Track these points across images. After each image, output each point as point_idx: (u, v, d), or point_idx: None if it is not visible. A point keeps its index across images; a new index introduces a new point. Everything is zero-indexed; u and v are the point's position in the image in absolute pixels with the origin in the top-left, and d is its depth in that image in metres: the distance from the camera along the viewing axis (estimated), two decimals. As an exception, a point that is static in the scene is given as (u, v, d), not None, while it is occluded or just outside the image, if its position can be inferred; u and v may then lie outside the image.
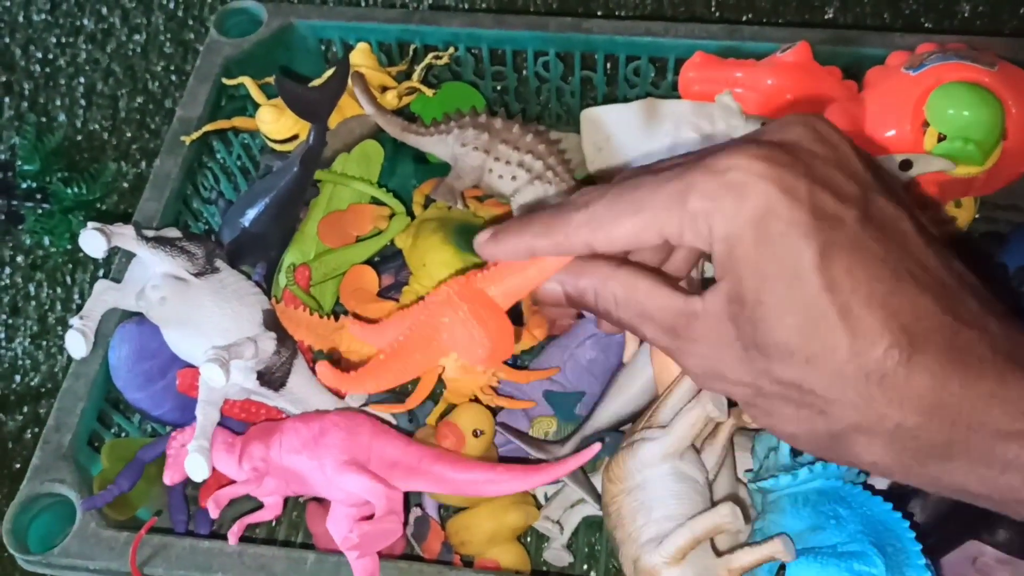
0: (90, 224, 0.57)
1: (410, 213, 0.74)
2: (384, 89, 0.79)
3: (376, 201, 0.74)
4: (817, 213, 0.30)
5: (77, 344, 0.61)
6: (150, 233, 0.62)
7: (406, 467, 0.57)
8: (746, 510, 0.55)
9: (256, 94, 0.77)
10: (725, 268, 0.32)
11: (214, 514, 0.55)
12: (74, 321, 0.61)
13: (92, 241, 0.57)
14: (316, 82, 0.75)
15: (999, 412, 0.29)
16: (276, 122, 0.74)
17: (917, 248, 0.31)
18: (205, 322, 0.59)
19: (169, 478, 0.57)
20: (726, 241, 0.31)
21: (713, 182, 0.31)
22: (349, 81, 0.75)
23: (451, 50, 0.81)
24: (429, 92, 0.79)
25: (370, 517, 0.59)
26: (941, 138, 0.64)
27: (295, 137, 0.75)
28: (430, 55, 0.81)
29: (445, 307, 0.47)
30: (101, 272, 0.84)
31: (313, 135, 0.69)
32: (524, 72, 0.84)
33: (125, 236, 0.59)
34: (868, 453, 0.31)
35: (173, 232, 0.64)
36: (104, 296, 0.62)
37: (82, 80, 0.98)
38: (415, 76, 0.79)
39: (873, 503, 0.49)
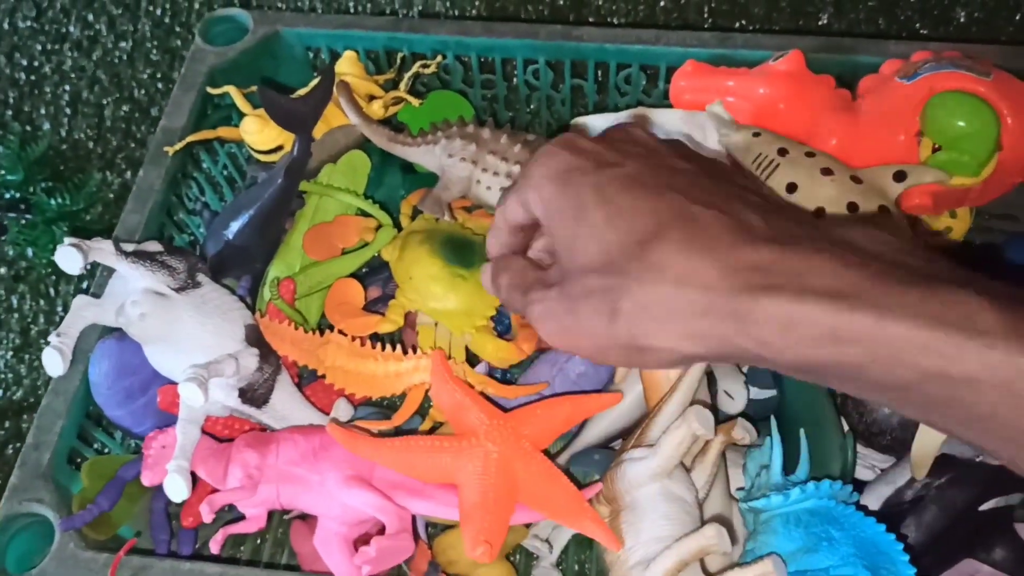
0: (66, 240, 0.56)
1: (397, 225, 0.73)
2: (371, 98, 0.78)
3: (363, 213, 0.73)
4: (599, 162, 0.38)
5: (54, 362, 0.60)
6: (130, 247, 0.61)
7: (411, 489, 0.56)
8: (733, 531, 0.54)
9: (241, 103, 0.75)
10: (545, 224, 0.40)
11: (208, 518, 0.54)
12: (51, 338, 0.60)
13: (68, 258, 0.56)
14: (301, 92, 0.74)
15: (746, 271, 0.32)
16: (261, 132, 0.73)
17: (687, 177, 0.37)
18: (186, 338, 0.58)
19: (148, 479, 0.56)
20: (542, 201, 0.39)
21: (531, 164, 0.40)
22: (335, 90, 0.74)
23: (439, 58, 0.80)
24: (415, 102, 0.78)
25: (362, 536, 0.58)
26: (936, 148, 0.63)
27: (280, 148, 0.75)
28: (417, 64, 0.80)
29: (475, 448, 0.52)
30: (85, 284, 0.82)
31: (297, 146, 0.68)
32: (514, 80, 0.83)
33: (104, 251, 0.58)
34: (666, 332, 0.34)
35: (154, 246, 0.63)
36: (83, 312, 0.61)
37: (67, 88, 0.97)
38: (402, 85, 0.78)
39: (866, 524, 0.48)
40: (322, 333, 0.65)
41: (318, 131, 0.75)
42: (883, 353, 0.30)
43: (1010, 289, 0.30)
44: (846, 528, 0.48)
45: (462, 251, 0.67)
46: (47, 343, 0.79)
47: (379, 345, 0.64)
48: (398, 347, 0.63)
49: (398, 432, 0.66)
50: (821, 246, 0.32)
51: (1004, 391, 0.28)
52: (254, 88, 0.77)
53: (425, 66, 0.80)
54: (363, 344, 0.64)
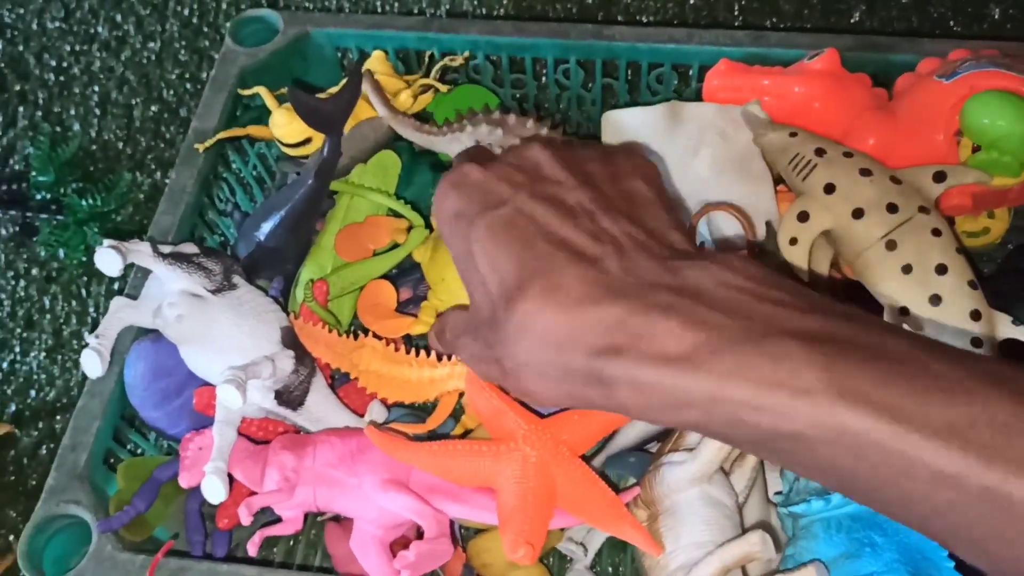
0: (106, 241, 0.56)
1: (428, 225, 0.73)
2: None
3: (394, 213, 0.73)
4: (483, 203, 0.38)
5: (93, 363, 0.60)
6: (166, 249, 0.61)
7: (448, 492, 0.55)
8: (777, 537, 0.53)
9: (272, 104, 0.75)
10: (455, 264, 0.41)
11: (246, 520, 0.54)
12: (89, 339, 0.60)
13: (108, 259, 0.56)
14: (331, 91, 0.74)
15: (593, 333, 0.33)
16: (289, 125, 0.73)
17: (563, 211, 0.38)
18: (223, 340, 0.58)
19: (185, 480, 0.56)
20: (447, 245, 0.41)
21: (434, 201, 0.42)
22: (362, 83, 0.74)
23: (466, 53, 0.80)
24: (444, 88, 0.77)
25: (398, 539, 0.57)
26: (975, 149, 0.62)
27: (309, 140, 0.74)
28: (446, 58, 0.79)
29: (514, 452, 0.52)
30: (116, 285, 0.83)
31: (327, 147, 0.67)
32: (543, 80, 0.82)
33: (141, 253, 0.58)
34: (539, 388, 0.35)
35: (190, 248, 0.63)
36: (120, 314, 0.62)
37: (96, 88, 0.97)
38: (431, 76, 0.78)
39: (909, 530, 0.47)
40: (355, 335, 0.65)
41: (346, 125, 0.75)
42: (721, 415, 0.31)
43: (850, 327, 0.30)
44: (889, 534, 0.47)
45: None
46: (79, 344, 0.80)
47: (413, 351, 0.64)
48: (432, 353, 0.63)
49: (432, 436, 0.66)
50: (669, 300, 0.33)
51: (835, 445, 0.29)
52: (284, 90, 0.77)
53: (453, 60, 0.79)
54: (397, 349, 0.64)
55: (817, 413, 0.28)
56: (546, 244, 0.36)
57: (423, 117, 0.77)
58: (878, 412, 0.28)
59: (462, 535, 0.64)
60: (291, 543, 0.67)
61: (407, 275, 0.73)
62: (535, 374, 0.35)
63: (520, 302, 0.35)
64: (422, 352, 0.63)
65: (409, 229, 0.72)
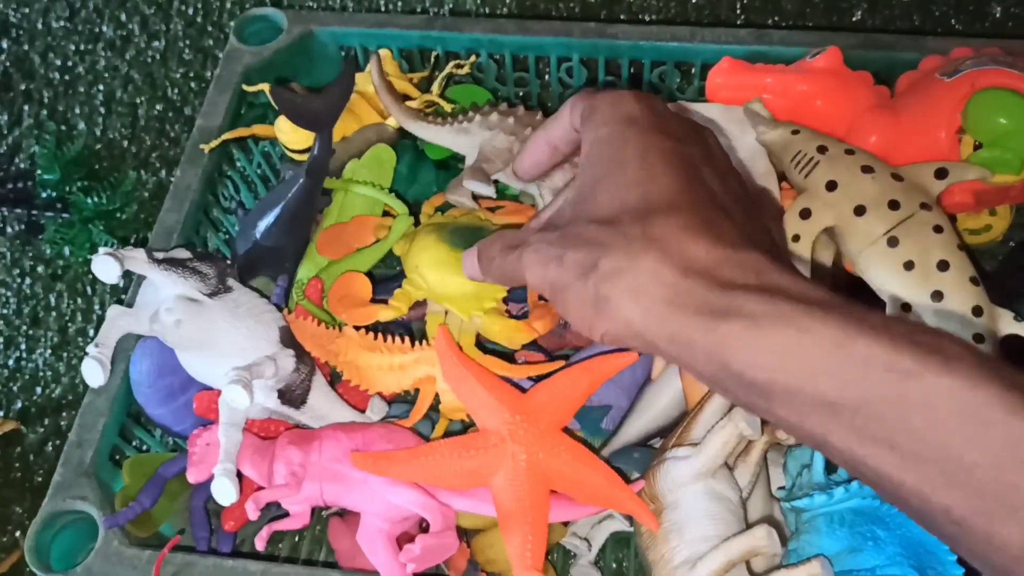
0: (101, 250, 0.56)
1: (413, 214, 0.73)
2: (405, 99, 0.78)
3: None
4: (660, 128, 0.39)
5: (94, 373, 0.60)
6: (160, 255, 0.61)
7: None
8: (782, 532, 0.53)
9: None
10: (582, 156, 0.41)
11: (253, 516, 0.54)
12: (90, 349, 0.60)
13: (105, 266, 0.56)
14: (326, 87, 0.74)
15: (731, 268, 0.33)
16: (294, 132, 0.74)
17: (720, 178, 0.39)
18: (222, 343, 0.58)
19: (193, 476, 0.56)
20: (594, 136, 0.40)
21: (604, 98, 0.41)
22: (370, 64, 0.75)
23: (472, 58, 0.80)
24: (448, 106, 0.77)
25: (404, 533, 0.58)
26: (977, 146, 0.63)
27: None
28: (451, 64, 0.79)
29: (503, 454, 0.52)
30: (122, 283, 0.83)
31: (318, 144, 0.67)
32: (547, 78, 0.83)
33: (136, 260, 0.58)
34: (629, 302, 0.34)
35: (183, 253, 0.63)
36: (118, 322, 0.62)
37: (101, 87, 0.98)
38: (436, 85, 0.78)
39: (912, 524, 0.47)
40: (339, 327, 0.65)
41: (349, 129, 0.75)
42: (847, 364, 0.30)
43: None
44: (892, 528, 0.47)
45: (470, 236, 0.65)
46: (85, 341, 0.81)
47: (390, 338, 0.63)
48: (406, 339, 0.62)
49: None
50: (791, 267, 0.34)
51: (961, 421, 0.28)
52: (292, 85, 0.78)
53: (459, 66, 0.79)
54: (376, 337, 0.63)
55: (955, 380, 0.28)
56: (703, 191, 0.37)
57: (429, 111, 0.77)
58: (1020, 394, 0.28)
59: (466, 531, 0.65)
60: (296, 538, 0.67)
61: (398, 279, 0.73)
62: (637, 285, 0.34)
63: (664, 216, 0.35)
64: (398, 339, 0.63)
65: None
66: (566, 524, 0.62)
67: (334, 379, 0.66)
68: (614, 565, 0.65)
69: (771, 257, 0.34)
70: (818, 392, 0.30)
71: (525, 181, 0.50)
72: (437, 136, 0.73)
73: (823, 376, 0.30)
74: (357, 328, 0.64)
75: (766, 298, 0.32)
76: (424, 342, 0.62)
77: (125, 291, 0.65)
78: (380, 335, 0.63)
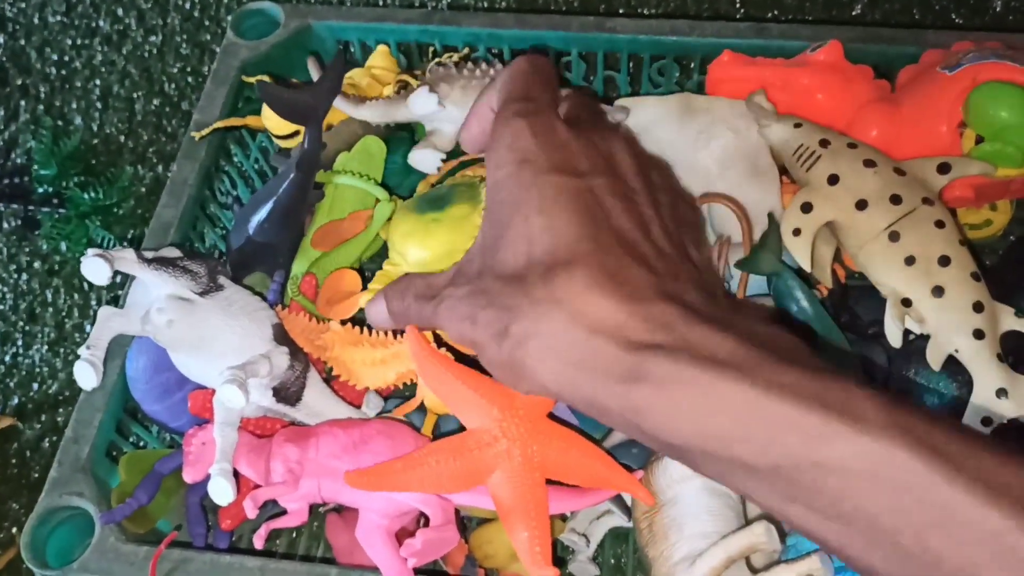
0: (90, 251, 0.56)
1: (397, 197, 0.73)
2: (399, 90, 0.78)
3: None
4: (563, 165, 0.37)
5: (87, 375, 0.60)
6: (150, 255, 0.60)
7: None
8: (781, 528, 0.53)
9: (268, 95, 0.75)
10: (486, 200, 0.39)
11: (252, 514, 0.54)
12: (82, 351, 0.60)
13: (95, 267, 0.55)
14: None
15: (639, 327, 0.32)
16: (276, 117, 0.73)
17: (635, 214, 0.38)
18: (216, 342, 0.58)
19: (189, 476, 0.56)
20: (493, 180, 0.38)
21: (502, 132, 0.39)
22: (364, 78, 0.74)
23: (466, 50, 0.80)
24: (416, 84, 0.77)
25: (405, 529, 0.57)
26: (979, 140, 0.62)
27: (298, 132, 0.74)
28: (445, 55, 0.79)
29: (496, 452, 0.50)
30: (119, 279, 0.82)
31: (307, 138, 0.67)
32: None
33: (126, 260, 0.58)
34: (542, 367, 0.34)
35: (173, 252, 0.62)
36: (109, 323, 0.61)
37: (98, 82, 0.97)
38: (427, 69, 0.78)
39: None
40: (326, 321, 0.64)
41: (336, 119, 0.74)
42: (758, 430, 0.29)
43: (893, 395, 0.29)
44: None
45: (436, 198, 0.65)
46: (81, 337, 0.80)
47: (375, 332, 0.62)
48: (390, 333, 0.61)
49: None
50: (722, 319, 0.33)
51: (874, 480, 0.28)
52: (293, 81, 0.77)
53: (451, 56, 0.79)
54: (362, 331, 0.62)
55: (866, 443, 0.28)
56: (611, 235, 0.35)
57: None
58: (932, 453, 0.27)
59: (464, 527, 0.64)
60: (293, 535, 0.67)
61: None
62: (546, 349, 0.33)
63: (567, 272, 0.34)
64: (382, 333, 0.61)
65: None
66: (564, 519, 0.62)
67: (329, 375, 0.66)
68: (612, 561, 0.64)
69: (685, 307, 0.33)
70: (734, 456, 0.30)
71: (472, 152, 0.48)
72: (392, 114, 0.73)
73: (736, 442, 0.30)
74: (342, 323, 0.63)
75: (672, 359, 0.31)
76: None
77: (121, 287, 0.65)
78: (366, 329, 0.62)
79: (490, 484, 0.51)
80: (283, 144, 0.75)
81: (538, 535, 0.48)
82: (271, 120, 0.73)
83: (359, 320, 0.63)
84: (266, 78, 0.75)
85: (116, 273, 0.57)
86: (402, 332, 0.60)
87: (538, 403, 0.53)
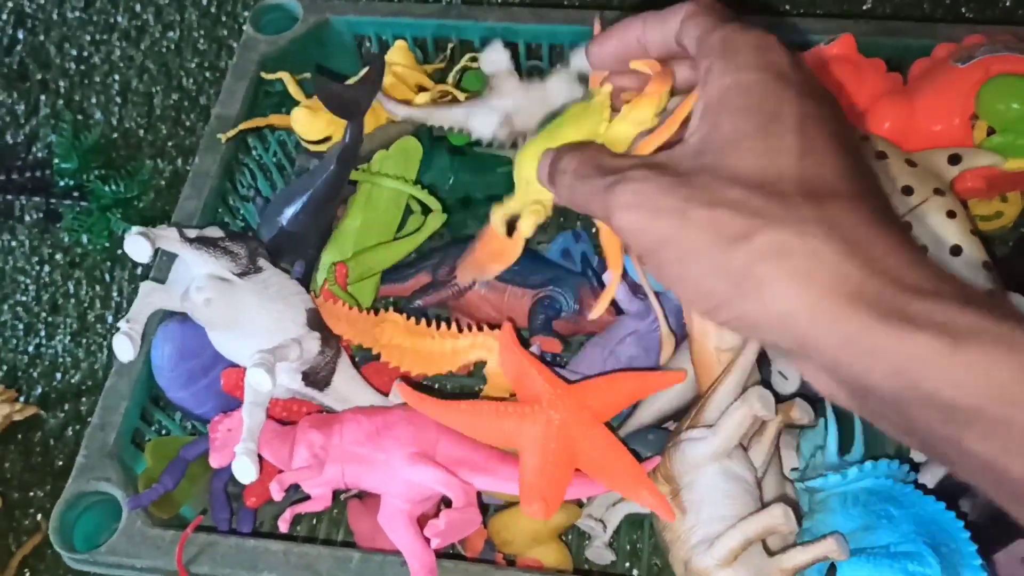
0: (134, 228, 0.57)
1: (447, 210, 0.74)
2: (420, 89, 0.79)
3: (414, 199, 0.74)
4: (812, 93, 0.33)
5: (124, 348, 0.61)
6: (192, 234, 0.62)
7: (473, 464, 0.57)
8: (798, 511, 0.54)
9: (294, 90, 0.76)
10: (708, 92, 0.34)
11: (278, 497, 0.55)
12: (121, 324, 0.61)
13: (137, 245, 0.57)
14: (352, 80, 0.75)
15: (919, 273, 0.29)
16: (310, 123, 0.74)
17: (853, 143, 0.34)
18: (250, 323, 0.59)
19: (216, 461, 0.57)
20: (728, 72, 0.34)
21: (744, 35, 0.34)
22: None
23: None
24: (461, 96, 0.78)
25: (426, 515, 0.59)
26: (990, 132, 0.63)
27: (329, 139, 0.75)
28: (465, 57, 0.80)
29: (538, 414, 0.54)
30: (140, 270, 0.84)
31: (349, 133, 0.68)
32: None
33: (168, 238, 0.59)
34: (784, 288, 0.29)
35: (216, 231, 0.64)
36: (150, 298, 0.63)
37: (117, 77, 0.98)
38: (450, 78, 0.79)
39: (925, 502, 0.48)
40: (375, 311, 0.66)
41: (369, 125, 0.75)
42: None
43: None
44: (905, 506, 0.48)
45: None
46: (104, 328, 0.82)
47: (434, 322, 0.65)
48: (452, 325, 0.64)
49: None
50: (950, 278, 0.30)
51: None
52: (306, 75, 0.78)
53: (474, 59, 0.80)
54: (418, 322, 0.65)
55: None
56: (875, 184, 0.33)
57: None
58: None
59: (484, 512, 0.65)
60: (314, 521, 0.68)
61: (424, 260, 0.74)
62: (801, 271, 0.29)
63: (840, 201, 0.30)
64: (443, 324, 0.64)
65: (427, 214, 0.73)
66: (581, 505, 0.63)
67: (357, 362, 0.67)
68: (628, 547, 0.65)
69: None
70: None
71: (595, 67, 0.44)
72: (448, 118, 0.73)
73: None
74: (400, 312, 0.66)
75: (969, 311, 0.27)
76: (474, 327, 0.64)
77: (144, 277, 0.66)
78: (424, 320, 0.65)
79: (522, 443, 0.54)
80: (312, 148, 0.76)
81: (544, 493, 0.51)
82: (302, 126, 0.75)
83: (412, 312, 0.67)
84: (284, 75, 0.76)
85: (157, 251, 0.58)
86: (468, 326, 0.64)
87: (593, 404, 0.55)
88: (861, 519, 0.48)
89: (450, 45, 0.82)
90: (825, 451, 0.55)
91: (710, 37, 0.35)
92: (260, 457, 0.57)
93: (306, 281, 0.69)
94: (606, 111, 0.43)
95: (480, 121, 0.72)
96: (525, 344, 0.67)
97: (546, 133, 0.44)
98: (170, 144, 0.93)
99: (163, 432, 0.67)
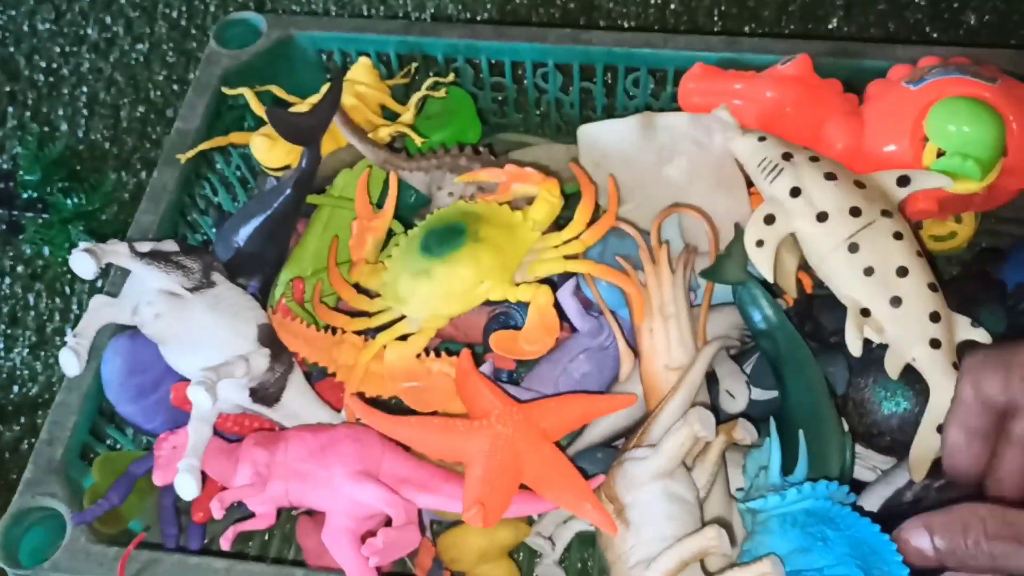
0: (81, 244, 0.57)
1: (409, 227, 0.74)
2: (383, 109, 0.79)
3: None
4: None
5: (71, 362, 0.61)
6: (145, 248, 0.62)
7: (417, 483, 0.57)
8: (732, 532, 0.54)
9: (255, 106, 0.76)
10: None
11: (218, 515, 0.55)
12: (68, 338, 0.61)
13: (82, 263, 0.57)
14: (312, 98, 0.75)
15: None
16: (269, 151, 0.75)
17: None
18: (200, 338, 0.59)
19: (160, 479, 0.57)
20: None
21: None
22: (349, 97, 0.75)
23: (451, 76, 0.81)
24: (419, 140, 0.77)
25: (369, 532, 0.58)
26: (941, 154, 0.63)
27: (289, 166, 0.75)
28: (430, 80, 0.80)
29: (486, 429, 0.55)
30: (100, 283, 0.83)
31: (306, 159, 0.68)
32: (524, 83, 0.83)
33: (118, 253, 0.59)
34: None
35: (170, 245, 0.64)
36: (100, 312, 0.62)
37: (85, 89, 0.98)
38: (412, 101, 0.79)
39: (861, 525, 0.48)
40: (332, 331, 0.66)
41: (327, 148, 0.75)
42: None
43: None
44: (842, 528, 0.48)
45: (444, 234, 0.64)
46: (63, 341, 0.81)
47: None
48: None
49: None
50: None
51: None
52: (268, 87, 0.78)
53: (437, 85, 0.80)
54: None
55: None
56: None
57: (396, 149, 0.78)
58: None
59: (433, 531, 0.65)
60: (266, 537, 0.68)
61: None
62: None
63: None
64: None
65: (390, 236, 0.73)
66: (530, 523, 0.63)
67: (313, 377, 0.67)
68: (579, 565, 0.65)
69: None
70: None
71: (963, 483, 0.49)
72: (400, 175, 0.74)
73: None
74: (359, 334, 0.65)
75: None
76: (432, 352, 0.64)
77: (102, 291, 0.66)
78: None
79: (469, 456, 0.54)
80: (272, 175, 0.76)
81: (487, 497, 0.52)
82: (261, 153, 0.75)
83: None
84: (246, 91, 0.76)
85: (107, 267, 0.58)
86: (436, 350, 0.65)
87: (543, 423, 0.56)
88: (798, 541, 0.48)
89: (414, 64, 0.82)
90: (768, 471, 0.55)
91: None
92: (206, 474, 0.57)
93: (263, 298, 0.69)
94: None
95: (417, 183, 0.74)
96: (480, 361, 0.67)
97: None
98: (136, 157, 0.93)
99: (117, 448, 0.67)
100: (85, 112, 0.96)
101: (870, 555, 0.46)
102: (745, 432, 0.54)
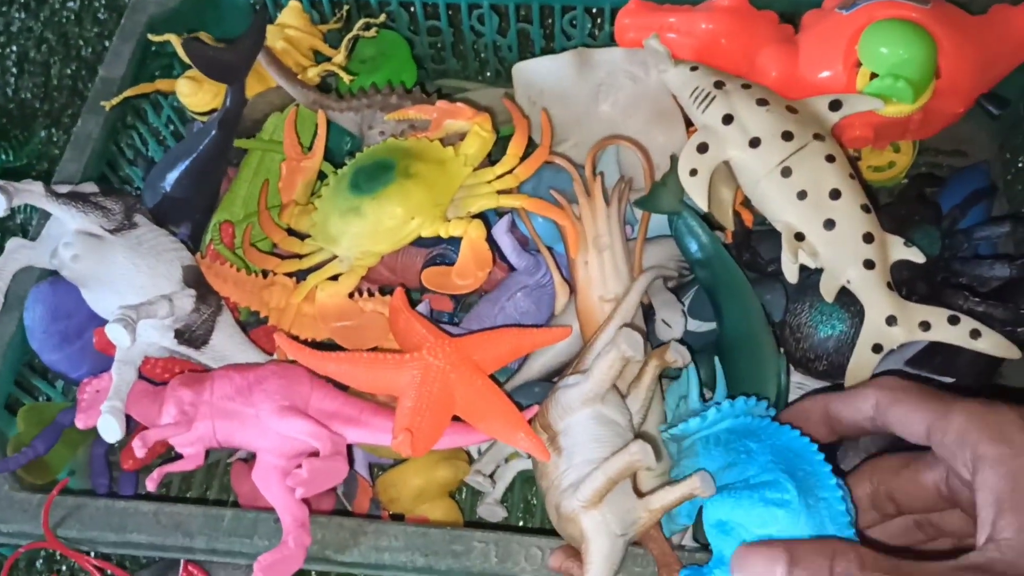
0: None
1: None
2: (315, 53, 0.77)
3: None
4: None
5: None
6: (63, 189, 0.60)
7: (345, 417, 0.56)
8: (657, 447, 0.54)
9: (182, 52, 0.74)
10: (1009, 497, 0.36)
11: (140, 454, 0.54)
12: None
13: None
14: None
15: None
16: (195, 94, 0.73)
17: None
18: (120, 280, 0.58)
19: (82, 422, 0.55)
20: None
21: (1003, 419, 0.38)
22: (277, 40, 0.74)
23: (383, 17, 0.79)
24: (348, 78, 0.76)
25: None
26: (873, 77, 0.63)
27: (216, 110, 0.73)
28: (361, 21, 0.78)
29: (417, 361, 0.54)
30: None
31: (230, 97, 0.67)
32: (461, 28, 0.82)
33: (33, 192, 0.57)
34: None
35: (89, 187, 0.62)
36: (16, 254, 0.61)
37: (14, 48, 0.96)
38: (343, 44, 0.77)
39: (782, 432, 0.48)
40: (263, 274, 0.64)
41: (254, 89, 0.73)
42: None
43: None
44: (763, 439, 0.47)
45: (374, 170, 0.63)
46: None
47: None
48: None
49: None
50: None
51: None
52: (198, 34, 0.76)
53: (368, 26, 0.78)
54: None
55: None
56: None
57: (325, 88, 0.76)
58: None
59: (373, 473, 0.65)
60: (204, 488, 0.67)
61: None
62: None
63: None
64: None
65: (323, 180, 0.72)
66: (470, 463, 0.62)
67: (247, 326, 0.65)
68: (522, 504, 0.65)
69: None
70: None
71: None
72: (330, 116, 0.73)
73: None
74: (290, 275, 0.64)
75: None
76: (365, 292, 0.63)
77: (36, 239, 0.64)
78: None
79: (400, 387, 0.53)
80: (200, 119, 0.75)
81: (416, 426, 0.51)
82: (187, 98, 0.73)
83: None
84: (172, 37, 0.74)
85: (22, 207, 0.56)
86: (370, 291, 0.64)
87: (475, 356, 0.55)
88: (723, 458, 0.48)
89: (346, 7, 0.80)
90: (688, 399, 0.55)
91: (949, 424, 0.39)
92: (133, 420, 0.56)
93: (194, 243, 0.68)
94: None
95: (347, 123, 0.73)
96: (416, 303, 0.66)
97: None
98: (67, 114, 0.90)
99: (47, 400, 0.65)
100: (15, 71, 0.94)
101: (793, 458, 0.45)
102: (677, 355, 0.53)
